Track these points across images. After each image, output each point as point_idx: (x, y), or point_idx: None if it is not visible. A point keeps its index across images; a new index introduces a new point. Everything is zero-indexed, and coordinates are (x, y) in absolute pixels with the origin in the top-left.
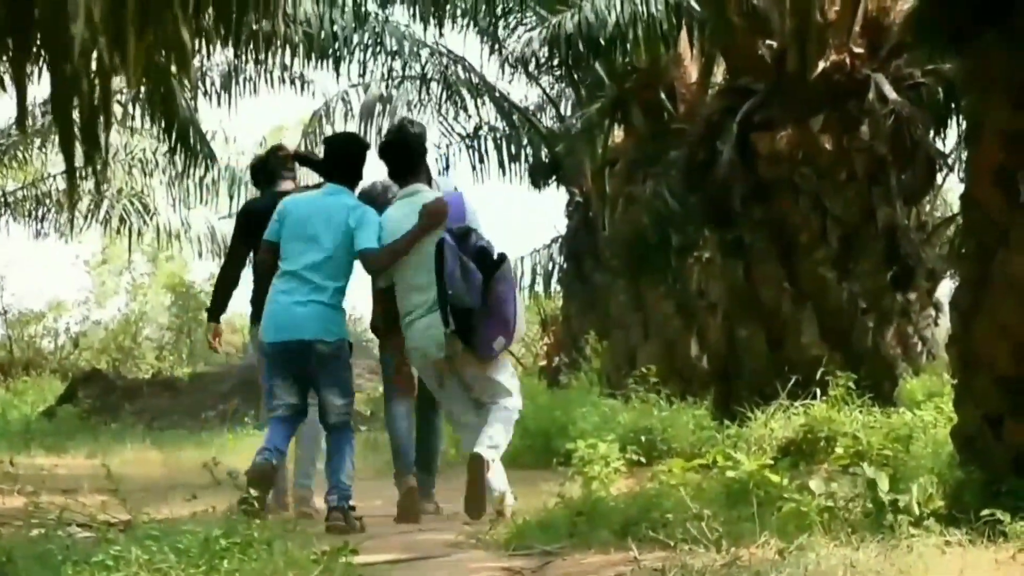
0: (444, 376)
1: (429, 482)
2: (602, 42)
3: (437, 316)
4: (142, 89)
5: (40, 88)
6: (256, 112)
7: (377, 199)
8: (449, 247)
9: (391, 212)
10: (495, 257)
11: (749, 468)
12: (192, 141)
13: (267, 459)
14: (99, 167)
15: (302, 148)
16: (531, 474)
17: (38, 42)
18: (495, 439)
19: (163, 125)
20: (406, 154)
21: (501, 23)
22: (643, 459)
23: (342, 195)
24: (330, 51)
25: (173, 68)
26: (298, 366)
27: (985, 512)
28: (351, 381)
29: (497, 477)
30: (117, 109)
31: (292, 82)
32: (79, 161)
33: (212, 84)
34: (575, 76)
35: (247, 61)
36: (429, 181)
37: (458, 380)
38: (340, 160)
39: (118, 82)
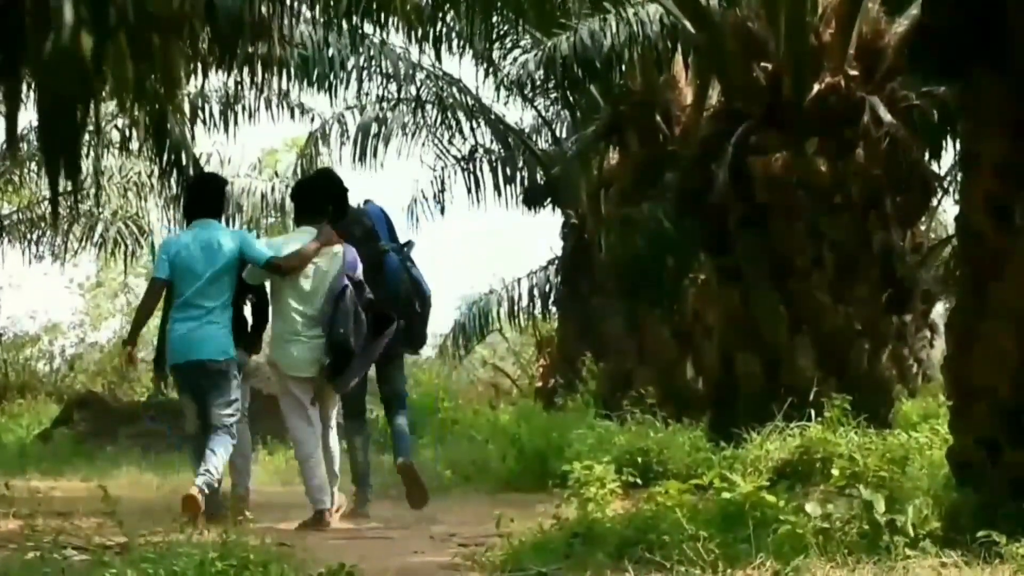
0: (309, 391)
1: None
2: (597, 65)
3: (313, 344)
4: (136, 113)
5: (35, 112)
6: (251, 134)
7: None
8: (349, 294)
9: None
10: (379, 314)
11: (745, 490)
12: (184, 165)
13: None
14: (86, 190)
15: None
16: (527, 496)
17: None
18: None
19: (155, 150)
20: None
21: (497, 46)
22: (639, 481)
23: (215, 227)
24: (325, 73)
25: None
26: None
27: (981, 534)
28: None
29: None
30: (114, 133)
31: (290, 106)
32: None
33: (208, 108)
34: (570, 98)
35: (242, 83)
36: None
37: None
38: (205, 197)
39: (112, 106)
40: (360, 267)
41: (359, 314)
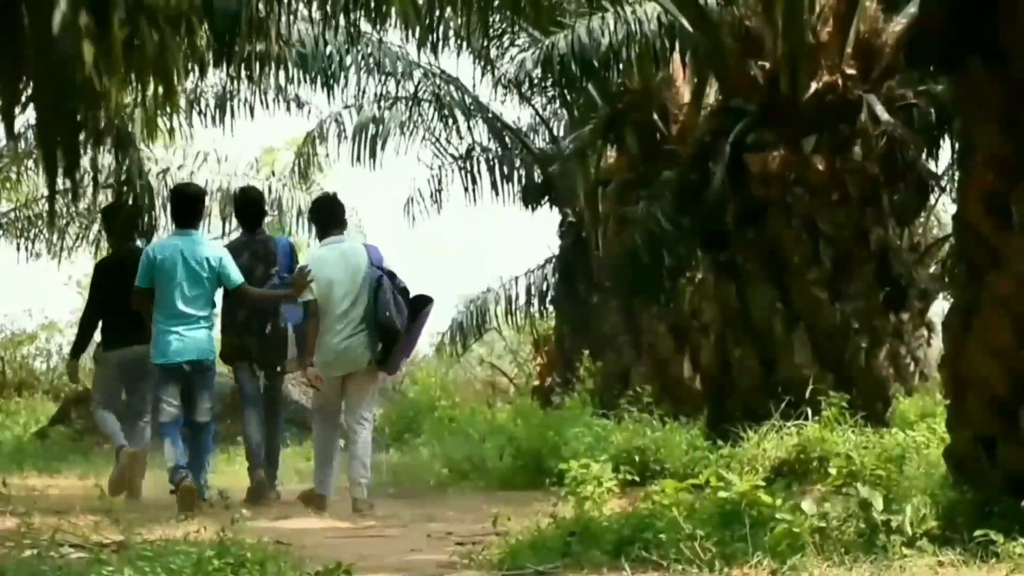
0: (336, 390)
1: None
2: (595, 63)
3: (358, 338)
4: (133, 111)
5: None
6: (249, 132)
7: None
8: (387, 282)
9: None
10: (415, 296)
11: (742, 488)
12: (181, 165)
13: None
14: (83, 188)
15: None
16: (524, 494)
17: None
18: (367, 467)
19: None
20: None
21: (494, 44)
22: (636, 479)
23: (196, 238)
24: (323, 71)
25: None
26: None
27: (978, 532)
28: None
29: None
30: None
31: (287, 103)
32: (65, 183)
33: (207, 105)
34: (568, 97)
35: (240, 81)
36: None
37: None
38: (186, 207)
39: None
40: (384, 259)
41: (398, 299)
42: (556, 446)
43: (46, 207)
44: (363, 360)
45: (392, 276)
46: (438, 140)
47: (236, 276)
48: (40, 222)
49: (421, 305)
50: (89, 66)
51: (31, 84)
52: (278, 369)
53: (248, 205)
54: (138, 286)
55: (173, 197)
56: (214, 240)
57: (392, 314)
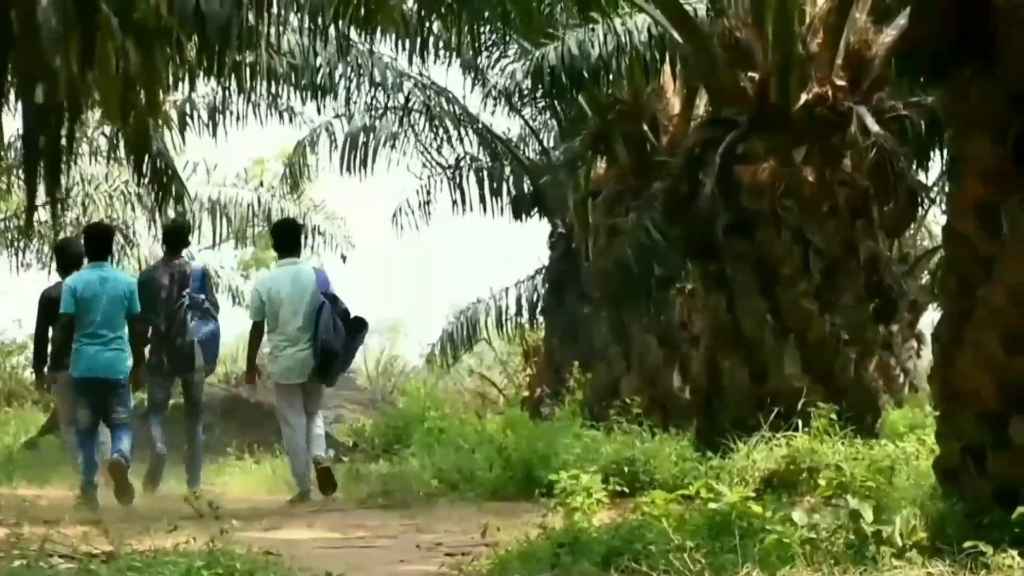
0: (297, 394)
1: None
2: (585, 74)
3: (308, 352)
4: (120, 122)
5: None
6: (239, 142)
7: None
8: (327, 308)
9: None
10: (352, 319)
11: (731, 500)
12: (169, 175)
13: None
14: (72, 198)
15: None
16: (513, 505)
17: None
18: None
19: (136, 161)
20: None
21: (484, 55)
22: (626, 490)
23: (107, 269)
24: (313, 82)
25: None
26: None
27: (968, 544)
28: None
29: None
30: (101, 141)
31: (280, 113)
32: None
33: (196, 114)
34: (558, 108)
35: (231, 92)
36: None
37: (302, 397)
38: (99, 244)
39: (97, 115)
40: (331, 284)
41: (336, 322)
42: (546, 457)
43: (36, 216)
44: (309, 372)
45: (335, 300)
46: (428, 151)
47: (138, 307)
48: (30, 232)
49: (357, 328)
50: (76, 78)
51: (20, 95)
52: (190, 377)
53: (174, 233)
54: (64, 312)
55: (86, 235)
56: (177, 259)
57: (329, 337)
